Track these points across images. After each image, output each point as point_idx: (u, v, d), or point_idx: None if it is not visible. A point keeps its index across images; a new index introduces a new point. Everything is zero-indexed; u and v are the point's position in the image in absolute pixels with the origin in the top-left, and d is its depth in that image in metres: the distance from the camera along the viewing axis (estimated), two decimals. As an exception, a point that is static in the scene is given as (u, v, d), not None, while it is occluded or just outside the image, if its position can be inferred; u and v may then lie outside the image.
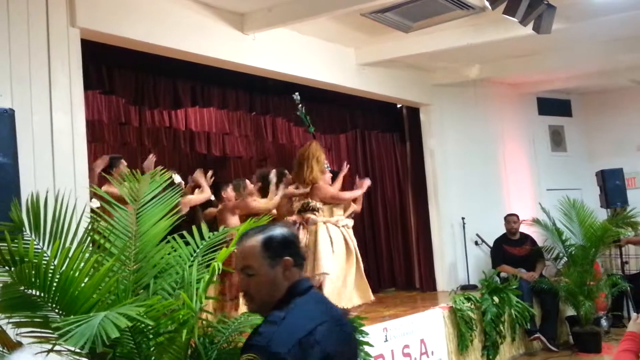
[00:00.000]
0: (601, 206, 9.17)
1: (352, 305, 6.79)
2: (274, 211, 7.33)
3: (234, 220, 6.64)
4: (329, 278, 6.72)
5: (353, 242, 7.00)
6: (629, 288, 8.54)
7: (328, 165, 7.29)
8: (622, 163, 9.54)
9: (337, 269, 6.78)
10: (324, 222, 6.94)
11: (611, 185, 9.06)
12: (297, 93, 7.20)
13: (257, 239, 2.27)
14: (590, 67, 9.51)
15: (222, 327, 3.74)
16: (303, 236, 7.07)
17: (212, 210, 7.09)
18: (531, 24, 6.21)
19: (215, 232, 3.94)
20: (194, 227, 3.98)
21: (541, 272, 8.59)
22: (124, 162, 6.27)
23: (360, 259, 7.03)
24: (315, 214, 7.01)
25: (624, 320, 8.58)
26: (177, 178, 6.78)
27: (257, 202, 6.90)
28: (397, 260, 9.95)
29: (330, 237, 6.86)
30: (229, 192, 6.88)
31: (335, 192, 7.03)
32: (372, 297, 7.04)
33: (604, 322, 8.33)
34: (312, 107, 8.01)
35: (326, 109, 8.73)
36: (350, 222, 7.14)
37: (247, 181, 6.99)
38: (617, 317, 8.82)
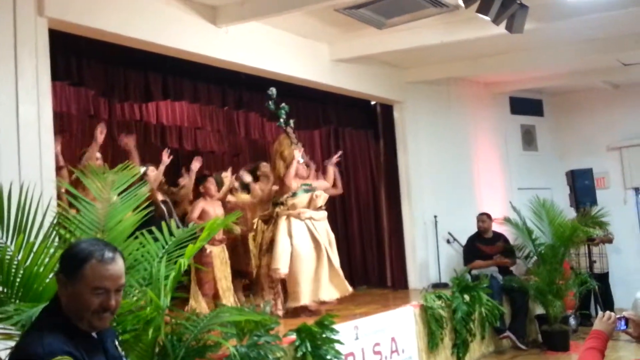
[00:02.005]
0: (570, 205, 9.27)
1: (330, 299, 6.78)
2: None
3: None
4: (301, 272, 6.71)
5: (322, 236, 6.95)
6: (596, 287, 8.65)
7: (303, 156, 7.20)
8: (592, 163, 9.67)
9: (302, 265, 6.75)
10: (287, 216, 6.91)
11: (581, 185, 9.16)
12: (273, 88, 7.14)
13: (120, 258, 2.28)
14: (562, 68, 9.60)
15: (191, 325, 3.68)
16: (270, 230, 7.08)
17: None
18: (504, 23, 6.23)
19: (185, 228, 3.89)
20: (163, 223, 3.93)
21: (509, 264, 8.65)
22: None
23: (331, 253, 6.97)
24: (280, 208, 7.00)
25: (592, 319, 8.68)
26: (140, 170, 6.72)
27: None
28: (370, 258, 9.95)
29: (289, 231, 6.83)
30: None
31: (285, 176, 6.99)
32: (349, 289, 7.03)
33: (572, 321, 8.42)
34: (285, 102, 7.95)
35: (300, 104, 8.68)
36: (318, 214, 7.05)
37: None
38: (585, 316, 8.93)
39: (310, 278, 6.78)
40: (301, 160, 7.09)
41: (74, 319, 2.20)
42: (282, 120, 7.19)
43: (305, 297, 6.67)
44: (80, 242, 2.33)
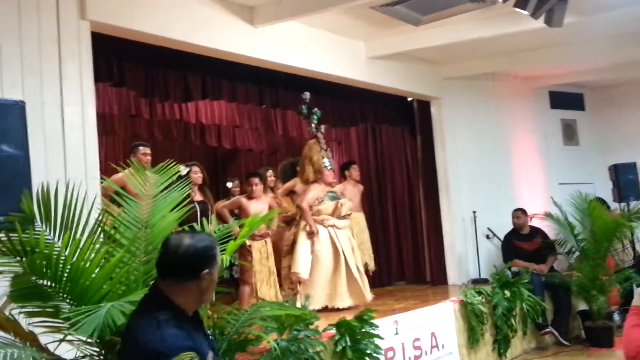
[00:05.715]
0: (614, 200, 9.11)
1: (345, 305, 6.77)
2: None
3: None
4: (318, 276, 6.75)
5: (344, 244, 6.95)
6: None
7: (330, 163, 7.22)
8: (635, 157, 9.47)
9: (321, 269, 6.78)
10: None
11: (624, 180, 8.98)
12: (307, 93, 7.20)
13: None
14: (602, 61, 9.43)
15: (232, 319, 3.74)
16: (292, 232, 7.12)
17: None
18: (542, 17, 6.17)
19: (225, 225, 3.95)
20: (204, 219, 3.99)
21: (552, 265, 8.55)
22: (141, 150, 6.26)
23: (352, 261, 6.96)
24: None
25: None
26: (183, 170, 6.84)
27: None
28: (406, 254, 9.93)
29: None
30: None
31: (301, 201, 6.99)
32: (367, 299, 6.98)
33: (616, 317, 8.27)
34: (322, 100, 8.00)
35: (336, 102, 8.71)
36: (341, 223, 7.05)
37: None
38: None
39: (326, 284, 6.82)
40: (329, 167, 7.13)
41: (188, 308, 2.49)
42: (313, 125, 7.24)
43: (318, 302, 6.67)
44: (194, 235, 2.60)
